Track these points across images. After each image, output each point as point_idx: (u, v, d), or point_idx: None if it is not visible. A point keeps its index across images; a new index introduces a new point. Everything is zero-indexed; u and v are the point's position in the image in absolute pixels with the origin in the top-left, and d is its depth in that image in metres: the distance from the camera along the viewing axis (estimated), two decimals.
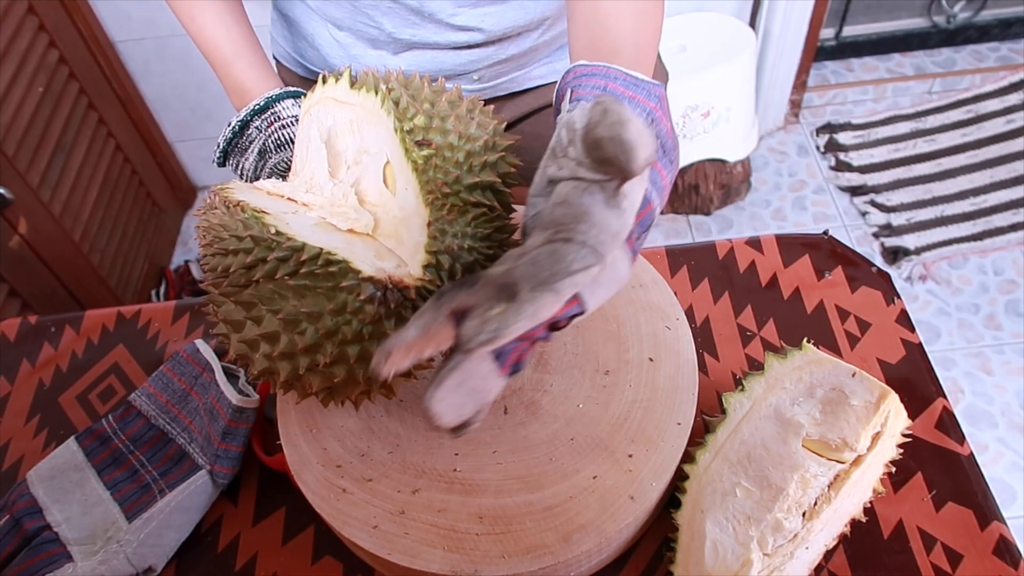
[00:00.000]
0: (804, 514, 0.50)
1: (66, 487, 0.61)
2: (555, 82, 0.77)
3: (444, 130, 0.45)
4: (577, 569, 0.51)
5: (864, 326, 0.68)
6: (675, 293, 0.63)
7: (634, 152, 0.32)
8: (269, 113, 0.61)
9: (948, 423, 0.61)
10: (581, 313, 0.37)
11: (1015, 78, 2.16)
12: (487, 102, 0.78)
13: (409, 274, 0.42)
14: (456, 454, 0.53)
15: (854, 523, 0.53)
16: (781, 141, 2.14)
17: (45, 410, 0.71)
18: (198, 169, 2.13)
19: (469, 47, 0.70)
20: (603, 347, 0.58)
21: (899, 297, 0.70)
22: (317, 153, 0.49)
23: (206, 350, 0.66)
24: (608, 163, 0.34)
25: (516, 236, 0.47)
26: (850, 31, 2.22)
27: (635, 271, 0.62)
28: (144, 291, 1.87)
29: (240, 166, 0.62)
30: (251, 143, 0.61)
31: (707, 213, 1.99)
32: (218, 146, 0.62)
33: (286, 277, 0.43)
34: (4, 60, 1.41)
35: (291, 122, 0.61)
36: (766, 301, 0.70)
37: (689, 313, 0.70)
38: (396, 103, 0.46)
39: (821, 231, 0.75)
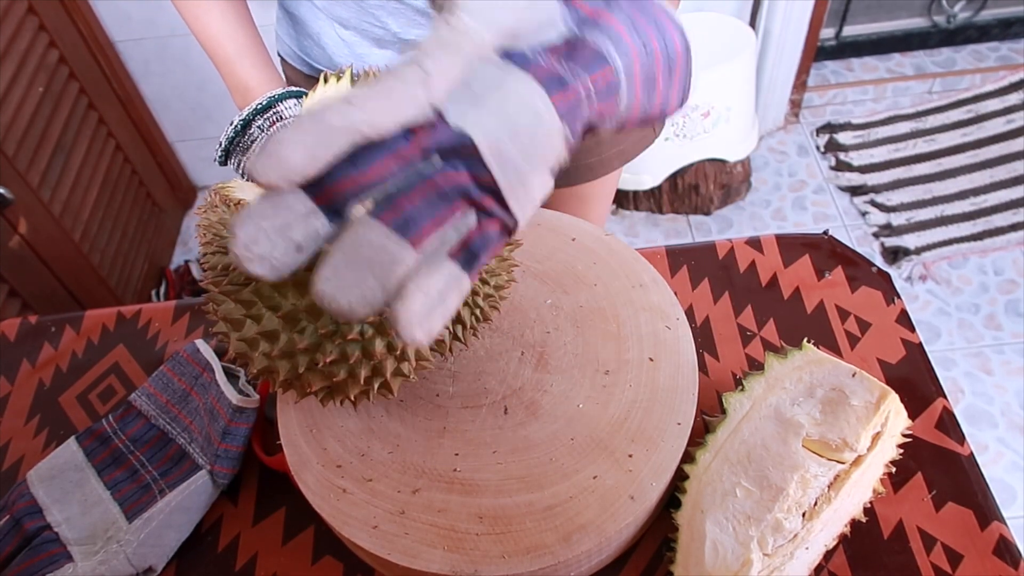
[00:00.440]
0: (804, 514, 0.50)
1: (66, 487, 0.61)
2: None
3: None
4: (577, 569, 0.51)
5: (864, 326, 0.68)
6: (675, 293, 0.63)
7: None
8: (271, 112, 0.61)
9: (948, 423, 0.61)
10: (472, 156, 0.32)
11: (1015, 78, 2.16)
12: None
13: None
14: (456, 454, 0.53)
15: (854, 523, 0.53)
16: (781, 141, 2.14)
17: (45, 410, 0.71)
18: (198, 169, 2.13)
19: None
20: (603, 347, 0.58)
21: (899, 297, 0.70)
22: None
23: (206, 350, 0.66)
24: None
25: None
26: (850, 31, 2.22)
27: (635, 271, 0.62)
28: (144, 291, 1.87)
29: (242, 165, 0.62)
30: (253, 142, 0.61)
31: (707, 213, 1.99)
32: (220, 144, 0.62)
33: None
34: (4, 60, 1.41)
35: None
36: (766, 301, 0.70)
37: (689, 313, 0.70)
38: None
39: (821, 231, 0.75)
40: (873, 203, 1.95)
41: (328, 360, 0.43)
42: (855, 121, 2.14)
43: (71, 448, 0.64)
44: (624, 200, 2.02)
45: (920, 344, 0.66)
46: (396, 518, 0.51)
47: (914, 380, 0.64)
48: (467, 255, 0.32)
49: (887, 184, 1.98)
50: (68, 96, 1.62)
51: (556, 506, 0.50)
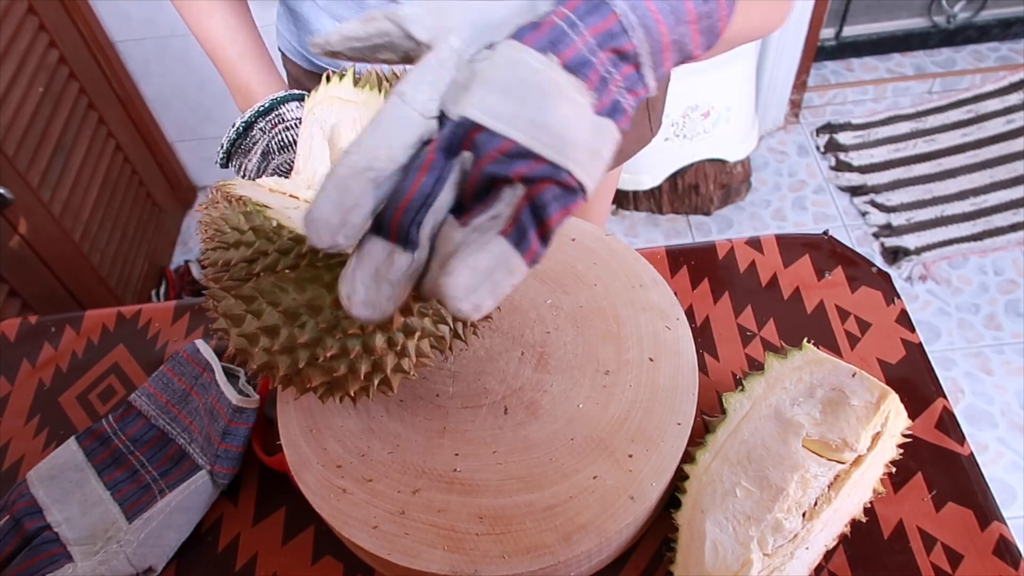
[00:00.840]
0: (804, 514, 0.50)
1: (66, 487, 0.61)
2: None
3: None
4: (577, 569, 0.51)
5: (864, 326, 0.68)
6: (675, 293, 0.63)
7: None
8: (273, 115, 0.61)
9: (948, 423, 0.61)
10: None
11: (1015, 78, 2.16)
12: None
13: None
14: (456, 454, 0.53)
15: (854, 523, 0.53)
16: (781, 141, 2.14)
17: (45, 410, 0.71)
18: (198, 169, 2.14)
19: None
20: (603, 347, 0.58)
21: (899, 297, 0.70)
22: (320, 151, 0.49)
23: (206, 350, 0.66)
24: None
25: None
26: (850, 31, 2.22)
27: (635, 271, 0.62)
28: (144, 291, 1.87)
29: (243, 167, 0.62)
30: (255, 144, 0.61)
31: (707, 213, 1.99)
32: (221, 147, 0.62)
33: (287, 270, 0.43)
34: (4, 60, 1.41)
35: (295, 124, 0.61)
36: (766, 301, 0.70)
37: (689, 313, 0.70)
38: None
39: (821, 231, 0.75)
40: (873, 203, 1.95)
41: (328, 355, 0.43)
42: (855, 121, 2.14)
43: (71, 448, 0.64)
44: (624, 200, 2.02)
45: (920, 344, 0.66)
46: (396, 518, 0.51)
47: (914, 380, 0.64)
48: (517, 231, 0.32)
49: (887, 184, 1.98)
50: (68, 96, 1.62)
51: (556, 506, 0.50)
